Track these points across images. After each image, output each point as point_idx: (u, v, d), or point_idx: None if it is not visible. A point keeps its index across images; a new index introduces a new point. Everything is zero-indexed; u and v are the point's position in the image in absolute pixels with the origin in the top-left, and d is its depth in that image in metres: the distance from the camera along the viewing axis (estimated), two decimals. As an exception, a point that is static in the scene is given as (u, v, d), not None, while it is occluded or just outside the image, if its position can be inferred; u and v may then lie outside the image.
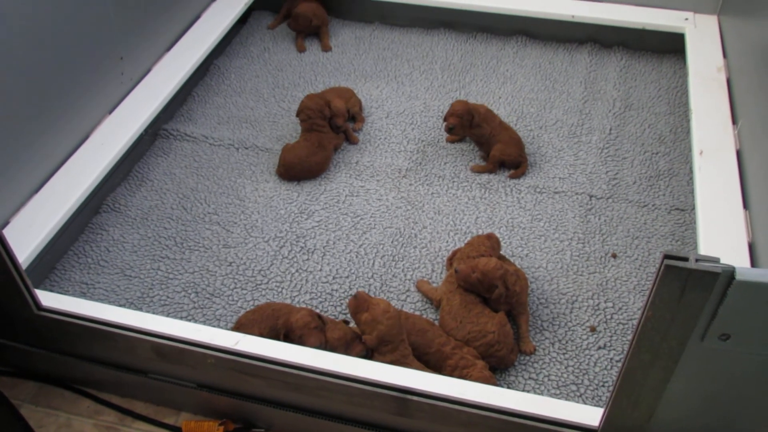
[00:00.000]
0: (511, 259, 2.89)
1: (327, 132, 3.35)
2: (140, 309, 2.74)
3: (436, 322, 2.67)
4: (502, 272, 2.58)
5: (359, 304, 2.45)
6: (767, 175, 2.66)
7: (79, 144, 3.13)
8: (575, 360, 2.58)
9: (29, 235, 2.73)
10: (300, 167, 3.26)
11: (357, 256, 2.95)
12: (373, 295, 2.77)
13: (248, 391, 2.44)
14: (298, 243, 3.01)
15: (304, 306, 2.72)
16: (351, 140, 3.49)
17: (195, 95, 3.82)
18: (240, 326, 2.58)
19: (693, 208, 3.06)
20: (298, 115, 3.38)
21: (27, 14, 2.69)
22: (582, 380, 2.52)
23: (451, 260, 2.86)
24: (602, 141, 3.47)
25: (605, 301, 2.77)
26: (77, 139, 3.13)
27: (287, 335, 2.51)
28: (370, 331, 2.37)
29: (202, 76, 3.94)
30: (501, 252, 2.92)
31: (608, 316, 2.72)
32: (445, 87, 3.85)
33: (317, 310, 2.72)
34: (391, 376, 2.24)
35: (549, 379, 2.53)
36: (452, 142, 3.47)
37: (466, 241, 2.89)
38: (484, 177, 3.28)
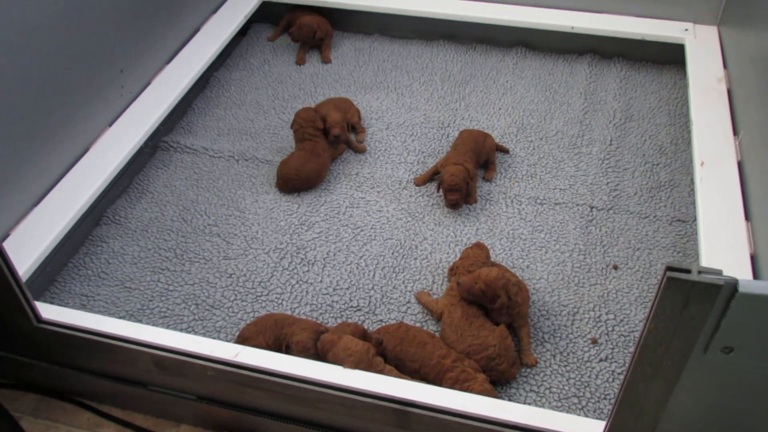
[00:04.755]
0: (512, 271, 2.88)
1: (319, 141, 3.35)
2: (140, 321, 2.74)
3: (437, 334, 2.66)
4: (504, 281, 2.58)
5: (323, 346, 2.44)
6: (768, 186, 2.66)
7: (79, 156, 3.13)
8: (577, 372, 2.57)
9: (29, 248, 2.73)
10: (297, 177, 3.26)
11: (357, 268, 2.95)
12: (375, 307, 2.77)
13: (248, 404, 2.43)
14: (299, 254, 3.00)
15: (305, 318, 2.71)
16: (356, 150, 3.50)
17: (195, 107, 3.82)
18: (244, 340, 2.57)
19: (694, 219, 3.05)
20: (291, 126, 3.40)
21: (27, 28, 2.70)
22: (584, 393, 2.51)
23: (452, 271, 2.85)
24: (603, 152, 3.47)
25: (607, 313, 2.76)
26: (77, 151, 3.13)
27: (288, 346, 2.51)
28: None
29: (202, 88, 3.95)
30: (502, 263, 2.92)
31: (610, 328, 2.71)
32: (445, 98, 3.85)
33: (318, 322, 2.71)
34: (391, 389, 2.23)
35: (550, 392, 2.52)
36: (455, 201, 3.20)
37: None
38: (485, 188, 3.28)
